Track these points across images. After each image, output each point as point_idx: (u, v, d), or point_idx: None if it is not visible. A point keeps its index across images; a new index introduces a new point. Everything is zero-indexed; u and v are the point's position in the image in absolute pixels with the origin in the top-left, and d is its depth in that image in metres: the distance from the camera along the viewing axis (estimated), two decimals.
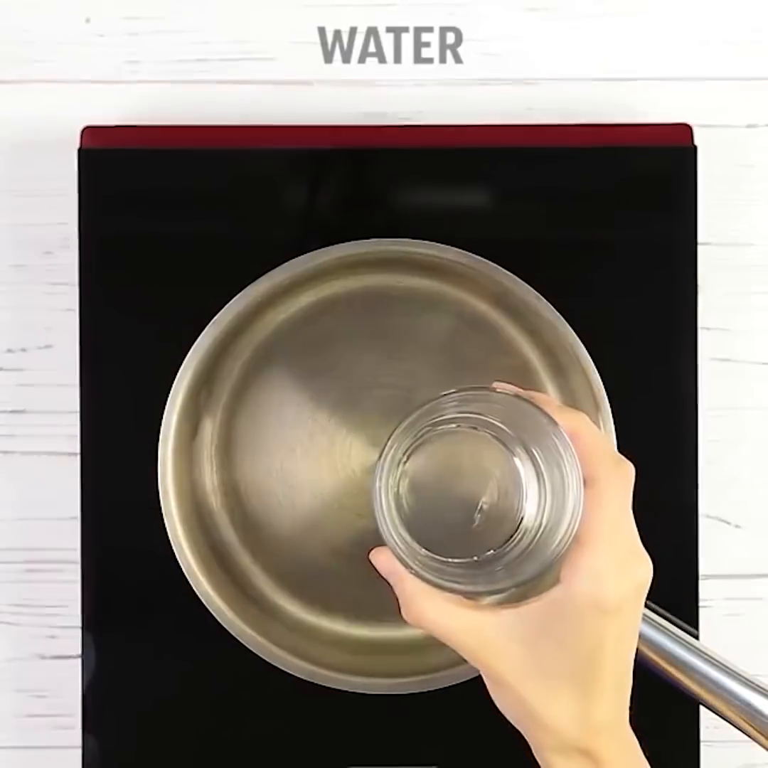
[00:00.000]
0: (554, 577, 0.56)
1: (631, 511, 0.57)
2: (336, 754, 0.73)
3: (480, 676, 0.58)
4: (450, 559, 0.59)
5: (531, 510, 0.60)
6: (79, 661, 0.72)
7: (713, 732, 0.73)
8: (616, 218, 0.73)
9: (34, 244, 0.75)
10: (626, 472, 0.57)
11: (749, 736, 0.65)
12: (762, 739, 0.64)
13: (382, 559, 0.58)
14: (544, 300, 0.69)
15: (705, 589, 0.73)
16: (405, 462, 0.61)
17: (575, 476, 0.55)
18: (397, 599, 0.58)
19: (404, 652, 0.71)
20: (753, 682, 0.65)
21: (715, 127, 0.75)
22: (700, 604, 0.72)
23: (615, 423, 0.69)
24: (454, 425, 0.62)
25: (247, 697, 0.73)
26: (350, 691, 0.69)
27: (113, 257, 0.72)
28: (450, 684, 0.68)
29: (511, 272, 0.69)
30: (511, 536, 0.60)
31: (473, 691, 0.66)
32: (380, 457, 0.57)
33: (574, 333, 0.69)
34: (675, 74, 0.75)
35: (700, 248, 0.73)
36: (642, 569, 0.56)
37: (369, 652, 0.71)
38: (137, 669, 0.73)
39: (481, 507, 0.61)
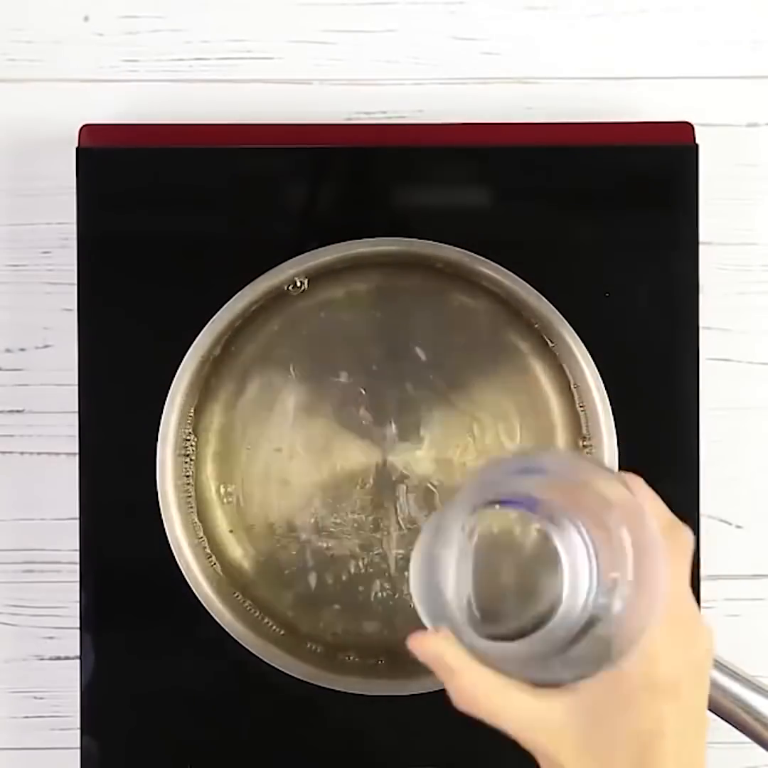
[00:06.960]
0: None
1: (688, 581, 0.52)
2: (335, 754, 0.73)
3: None
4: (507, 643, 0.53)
5: (571, 595, 0.53)
6: (77, 662, 0.72)
7: (714, 733, 0.72)
8: (617, 217, 0.73)
9: (32, 244, 0.75)
10: (684, 538, 0.53)
11: (750, 737, 0.65)
12: (763, 740, 0.64)
13: (429, 645, 0.50)
14: (545, 300, 0.69)
15: (706, 589, 0.73)
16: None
17: (654, 566, 0.49)
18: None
19: (402, 652, 0.71)
20: (754, 683, 0.65)
21: (716, 126, 0.75)
22: (701, 604, 0.72)
23: (615, 423, 0.69)
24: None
25: (246, 698, 0.73)
26: (349, 691, 0.69)
27: (112, 257, 0.72)
28: None
29: (512, 272, 0.69)
30: (546, 619, 0.53)
31: None
32: (433, 529, 0.50)
33: (574, 333, 0.69)
34: (676, 73, 0.75)
35: (700, 248, 0.72)
36: (700, 645, 0.52)
37: (367, 652, 0.71)
38: (136, 670, 0.73)
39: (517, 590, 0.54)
